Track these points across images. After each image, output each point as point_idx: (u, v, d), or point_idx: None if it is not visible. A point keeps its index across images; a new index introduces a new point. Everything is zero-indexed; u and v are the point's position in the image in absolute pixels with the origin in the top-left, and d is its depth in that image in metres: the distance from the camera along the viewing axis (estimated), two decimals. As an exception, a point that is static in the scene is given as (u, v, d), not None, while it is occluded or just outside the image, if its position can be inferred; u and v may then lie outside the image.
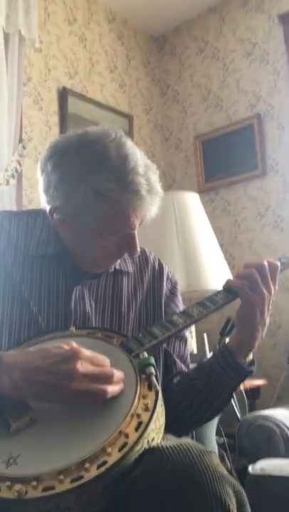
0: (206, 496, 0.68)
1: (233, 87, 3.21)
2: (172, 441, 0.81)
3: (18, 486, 0.69)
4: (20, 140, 2.43)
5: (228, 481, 0.72)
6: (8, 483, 0.70)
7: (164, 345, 1.09)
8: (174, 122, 3.50)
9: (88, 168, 0.92)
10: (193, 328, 2.08)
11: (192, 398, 1.03)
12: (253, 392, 2.19)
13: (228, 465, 1.74)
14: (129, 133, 3.11)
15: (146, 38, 3.55)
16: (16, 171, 2.34)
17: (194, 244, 1.94)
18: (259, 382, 2.25)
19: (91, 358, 0.80)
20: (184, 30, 3.49)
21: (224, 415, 2.19)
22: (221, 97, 3.26)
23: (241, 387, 2.07)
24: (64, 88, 2.85)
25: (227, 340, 1.04)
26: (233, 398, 2.09)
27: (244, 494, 0.76)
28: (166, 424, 0.86)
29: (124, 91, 3.29)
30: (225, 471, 0.73)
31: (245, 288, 0.98)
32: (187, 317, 0.98)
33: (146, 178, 0.93)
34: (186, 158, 3.41)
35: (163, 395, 1.05)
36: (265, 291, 0.98)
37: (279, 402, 2.43)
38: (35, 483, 0.69)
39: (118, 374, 0.81)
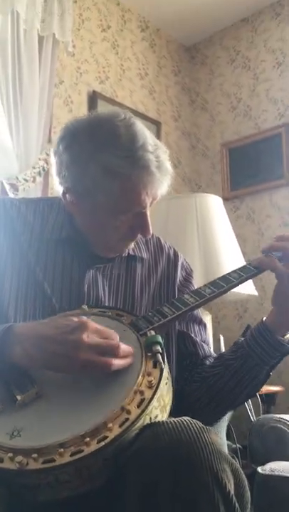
0: (202, 472, 0.67)
1: (263, 96, 3.22)
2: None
3: (19, 458, 0.71)
4: (49, 140, 2.48)
5: (226, 459, 0.70)
6: (10, 454, 0.71)
7: (184, 329, 1.08)
8: (201, 130, 3.52)
9: (98, 146, 0.93)
10: (210, 329, 2.07)
11: (227, 379, 0.99)
12: (269, 398, 2.16)
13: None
14: (157, 139, 3.13)
15: (177, 47, 3.59)
16: (43, 169, 2.39)
17: (215, 246, 1.94)
18: (276, 388, 2.21)
19: (99, 330, 0.81)
20: (215, 40, 3.52)
21: (238, 420, 2.17)
22: (250, 106, 3.27)
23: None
24: (94, 92, 2.91)
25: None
26: (248, 403, 2.06)
27: (243, 475, 0.74)
28: (200, 408, 0.85)
29: (153, 98, 3.33)
30: (224, 449, 0.72)
31: (276, 263, 0.97)
32: (198, 296, 0.97)
33: (155, 155, 0.93)
34: (212, 166, 3.41)
35: (192, 380, 1.04)
36: None
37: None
38: (35, 455, 0.71)
39: (126, 348, 0.81)
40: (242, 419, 2.13)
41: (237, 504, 0.69)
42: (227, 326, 3.07)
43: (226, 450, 0.73)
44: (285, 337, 0.99)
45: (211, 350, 1.13)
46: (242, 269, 1.03)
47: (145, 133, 0.95)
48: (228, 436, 1.82)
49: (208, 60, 3.56)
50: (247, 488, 0.75)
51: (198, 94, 3.58)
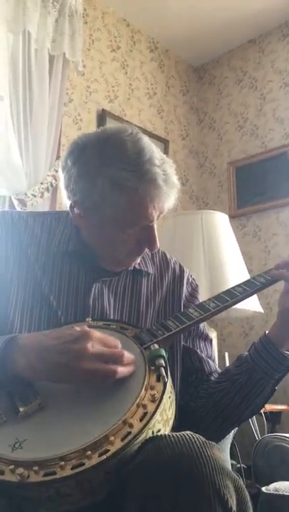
0: (204, 486, 0.66)
1: (269, 116, 3.25)
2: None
3: (20, 470, 0.70)
4: (58, 157, 2.51)
5: (228, 475, 0.70)
6: (11, 466, 0.71)
7: (190, 345, 1.08)
8: (209, 148, 3.55)
9: (106, 160, 0.94)
10: (215, 345, 2.06)
11: (233, 394, 0.99)
12: (274, 417, 2.13)
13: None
14: (165, 157, 3.17)
15: (186, 68, 3.65)
16: (52, 185, 2.42)
17: (221, 262, 1.94)
18: (281, 407, 2.19)
19: (102, 339, 0.81)
20: (223, 61, 3.58)
21: (242, 439, 2.15)
22: (257, 125, 3.30)
23: (262, 410, 2.02)
24: (103, 110, 2.96)
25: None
26: (253, 422, 2.04)
27: (246, 491, 0.73)
28: (206, 424, 0.84)
29: (161, 116, 3.38)
30: (227, 465, 0.71)
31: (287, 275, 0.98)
32: (203, 310, 0.97)
33: (162, 168, 0.95)
34: (219, 184, 3.43)
35: (198, 396, 1.03)
36: None
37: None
38: (37, 467, 0.70)
39: (128, 356, 0.82)
40: (246, 438, 2.10)
41: (238, 520, 0.68)
42: (232, 343, 3.05)
43: (229, 466, 0.73)
44: None
45: (217, 366, 1.12)
46: (247, 283, 1.03)
47: (152, 147, 0.97)
48: (232, 456, 1.80)
49: (216, 81, 3.61)
50: (250, 504, 0.74)
51: (206, 113, 3.62)
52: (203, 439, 0.73)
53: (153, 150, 0.96)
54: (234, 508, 0.68)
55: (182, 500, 0.66)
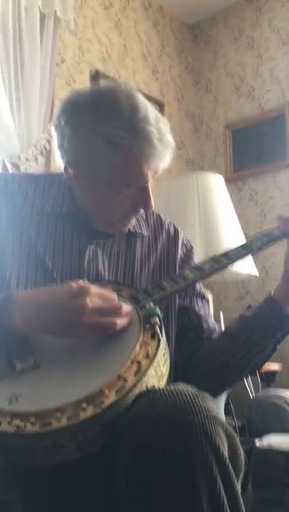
0: (196, 435, 0.68)
1: (266, 76, 3.19)
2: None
3: (17, 421, 0.72)
4: (51, 119, 2.46)
5: (220, 423, 0.71)
6: (8, 418, 0.73)
7: (187, 303, 1.09)
8: (205, 111, 3.49)
9: (99, 118, 0.93)
10: (211, 308, 2.08)
11: (234, 352, 1.00)
12: (268, 376, 2.17)
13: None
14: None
15: (181, 26, 3.55)
16: (45, 148, 2.38)
17: (216, 224, 1.94)
18: (275, 366, 2.23)
19: (99, 293, 0.82)
20: (219, 19, 3.48)
21: (237, 398, 2.19)
22: (254, 87, 3.24)
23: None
24: (97, 71, 2.88)
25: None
26: (247, 381, 2.08)
27: (237, 439, 0.75)
28: (204, 381, 0.85)
29: (156, 78, 3.30)
30: (218, 415, 0.73)
31: None
32: (199, 271, 0.97)
33: (157, 127, 0.93)
34: (215, 148, 3.40)
35: (198, 353, 1.03)
36: None
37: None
38: (33, 419, 0.72)
39: (126, 307, 0.83)
40: (241, 397, 2.15)
41: (230, 466, 0.70)
42: (228, 306, 3.08)
43: (222, 418, 0.74)
44: None
45: (216, 325, 1.13)
46: (242, 246, 1.03)
47: (147, 105, 0.95)
48: (227, 414, 1.84)
49: (211, 40, 3.52)
50: (241, 451, 0.76)
51: (201, 74, 3.55)
52: (196, 391, 0.74)
53: (148, 108, 0.94)
54: (226, 454, 0.70)
55: (175, 449, 0.68)
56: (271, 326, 0.98)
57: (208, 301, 1.15)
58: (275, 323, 0.98)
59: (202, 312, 1.10)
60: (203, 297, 1.13)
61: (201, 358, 1.04)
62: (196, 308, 1.09)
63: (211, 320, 1.12)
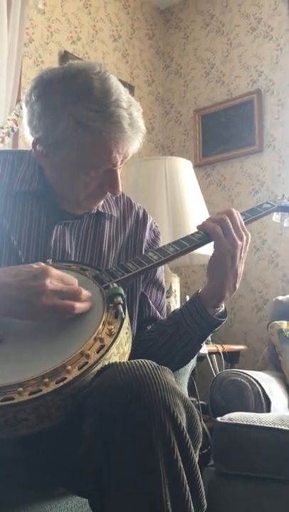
0: (154, 405, 0.69)
1: (236, 62, 3.21)
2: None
3: None
4: (18, 100, 2.43)
5: (178, 394, 0.73)
6: None
7: (142, 289, 1.10)
8: (175, 95, 3.49)
9: (71, 98, 0.92)
10: (178, 291, 2.11)
11: (161, 344, 1.04)
12: (232, 356, 2.23)
13: (202, 424, 1.78)
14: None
15: (152, 10, 3.53)
16: (12, 130, 2.35)
17: (183, 208, 1.96)
18: (239, 347, 2.29)
19: (60, 276, 0.83)
20: (190, 3, 3.47)
21: (201, 378, 2.24)
22: (223, 72, 3.26)
23: (220, 349, 2.11)
24: (65, 52, 2.85)
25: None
26: (212, 361, 2.13)
27: (196, 411, 0.77)
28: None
29: (126, 61, 3.28)
30: (177, 387, 0.75)
31: (219, 231, 0.99)
32: (162, 254, 0.99)
33: (128, 112, 0.92)
34: (185, 132, 3.41)
35: (137, 336, 1.06)
36: (236, 237, 0.98)
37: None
38: None
39: (86, 292, 0.84)
40: (205, 377, 2.20)
41: (188, 436, 0.72)
42: (196, 290, 3.12)
43: (185, 392, 0.76)
44: (218, 309, 1.03)
45: (164, 315, 1.15)
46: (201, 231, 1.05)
47: (120, 88, 0.94)
48: (192, 393, 1.88)
49: (182, 24, 3.51)
50: (199, 423, 0.78)
51: (172, 58, 3.54)
52: (156, 364, 0.76)
53: (120, 91, 0.93)
54: (184, 425, 0.72)
55: (134, 421, 0.69)
56: (194, 322, 1.01)
57: (163, 291, 1.17)
58: (198, 321, 1.01)
59: (151, 300, 1.12)
60: (159, 286, 1.15)
61: (138, 344, 1.06)
62: (148, 296, 1.12)
63: (160, 310, 1.14)
